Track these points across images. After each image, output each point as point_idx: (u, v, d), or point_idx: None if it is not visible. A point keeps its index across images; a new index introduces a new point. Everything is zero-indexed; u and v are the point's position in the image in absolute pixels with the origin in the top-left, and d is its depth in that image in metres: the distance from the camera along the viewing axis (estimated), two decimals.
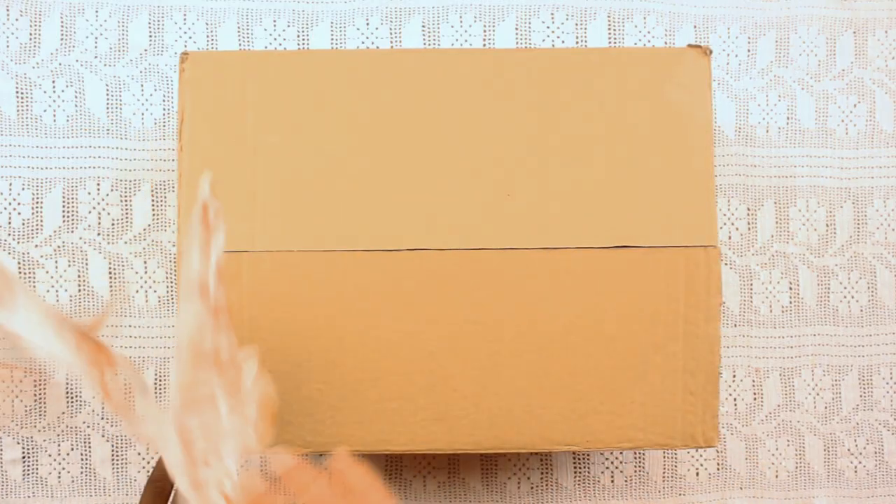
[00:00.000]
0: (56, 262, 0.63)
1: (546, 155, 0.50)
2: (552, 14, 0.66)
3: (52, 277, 0.63)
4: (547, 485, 0.65)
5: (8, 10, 0.64)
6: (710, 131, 0.50)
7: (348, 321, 0.50)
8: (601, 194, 0.50)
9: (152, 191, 0.64)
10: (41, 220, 0.64)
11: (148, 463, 0.64)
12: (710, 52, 0.51)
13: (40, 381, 0.63)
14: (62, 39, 0.64)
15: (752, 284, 0.66)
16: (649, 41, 0.67)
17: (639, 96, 0.50)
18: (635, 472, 0.66)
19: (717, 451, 0.66)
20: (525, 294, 0.50)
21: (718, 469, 0.66)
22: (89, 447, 0.63)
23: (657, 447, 0.50)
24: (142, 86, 0.65)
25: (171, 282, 0.64)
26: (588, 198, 0.50)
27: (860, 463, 0.67)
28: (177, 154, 0.50)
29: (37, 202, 0.63)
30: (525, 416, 0.50)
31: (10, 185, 0.63)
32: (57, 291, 0.63)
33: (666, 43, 0.67)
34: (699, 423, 0.50)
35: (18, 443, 0.63)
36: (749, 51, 0.67)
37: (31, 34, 0.64)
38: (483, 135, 0.50)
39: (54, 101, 0.64)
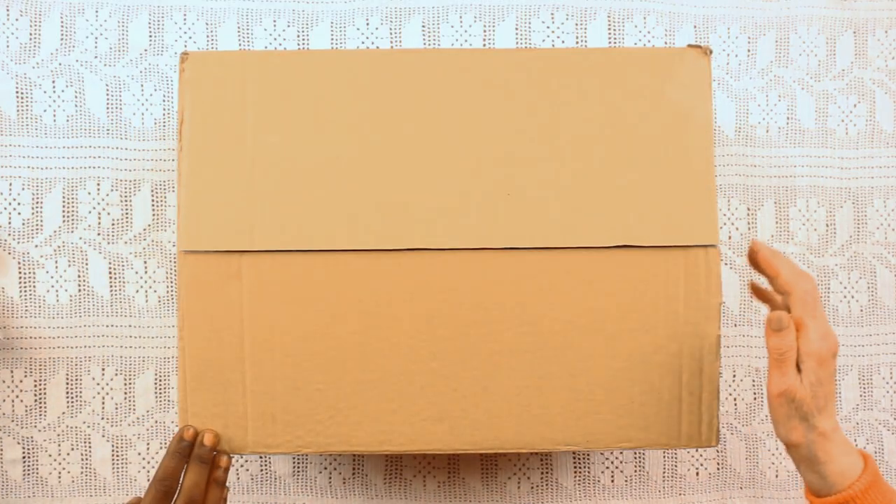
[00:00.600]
0: (56, 262, 0.63)
1: (546, 155, 0.50)
2: (552, 14, 0.66)
3: (52, 277, 0.63)
4: (547, 485, 0.65)
5: (8, 10, 0.64)
6: (711, 131, 0.50)
7: (348, 321, 0.50)
8: (601, 194, 0.50)
9: (152, 191, 0.64)
10: (41, 220, 0.64)
11: (148, 463, 0.64)
12: (710, 52, 0.51)
13: (40, 380, 0.63)
14: (62, 39, 0.64)
15: None
16: (649, 41, 0.67)
17: (639, 96, 0.50)
18: (635, 472, 0.66)
19: (717, 451, 0.66)
20: (525, 294, 0.50)
21: (718, 469, 0.66)
22: (89, 447, 0.63)
23: (657, 447, 0.50)
24: (142, 86, 0.65)
25: (171, 282, 0.64)
26: (588, 198, 0.50)
27: None
28: (177, 154, 0.50)
29: (37, 202, 0.63)
30: (525, 416, 0.50)
31: (10, 185, 0.63)
32: (57, 291, 0.63)
33: (666, 43, 0.67)
34: (699, 423, 0.50)
35: (19, 443, 0.63)
36: (749, 51, 0.67)
37: (31, 34, 0.64)
38: (483, 135, 0.50)
39: (54, 101, 0.64)
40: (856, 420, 0.67)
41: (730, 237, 0.66)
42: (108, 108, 0.64)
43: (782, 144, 0.67)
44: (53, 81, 0.64)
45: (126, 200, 0.64)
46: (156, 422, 0.64)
